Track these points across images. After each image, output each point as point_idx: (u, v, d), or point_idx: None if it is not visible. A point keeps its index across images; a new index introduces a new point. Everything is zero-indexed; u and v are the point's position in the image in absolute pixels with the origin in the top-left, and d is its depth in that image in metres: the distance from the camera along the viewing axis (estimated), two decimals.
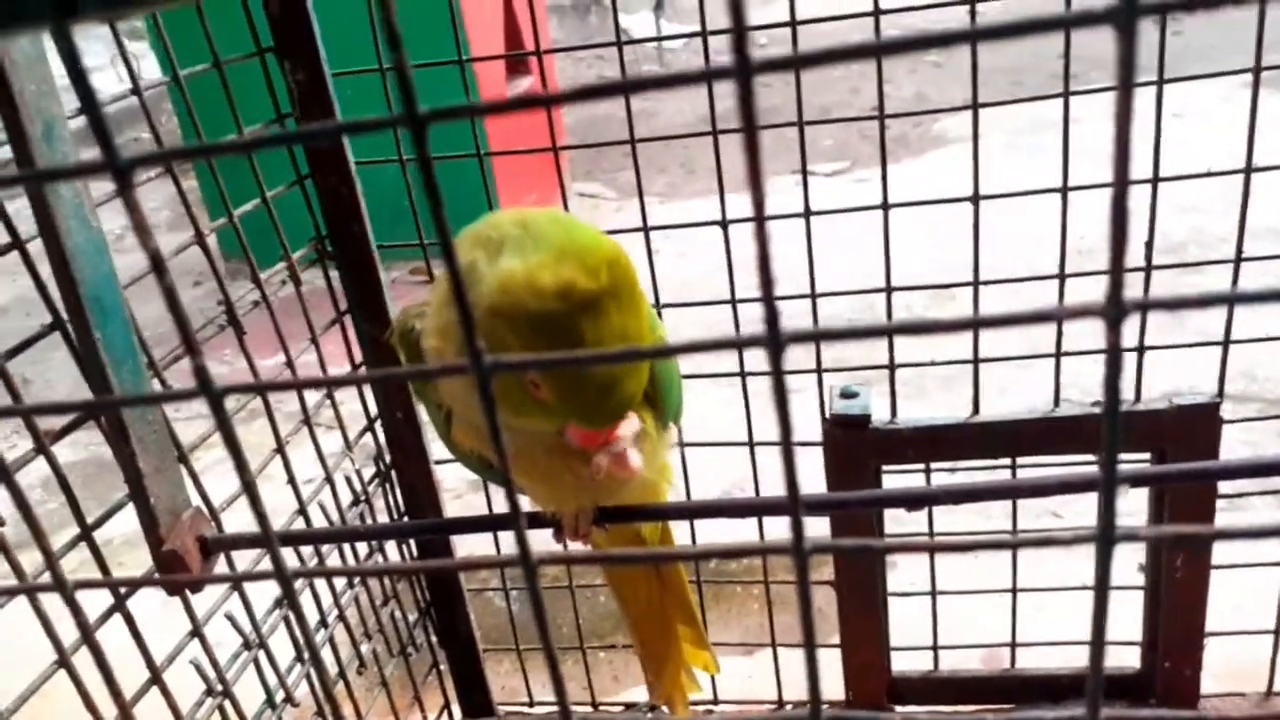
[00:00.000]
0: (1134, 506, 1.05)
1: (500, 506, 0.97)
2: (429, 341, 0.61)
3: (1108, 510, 0.30)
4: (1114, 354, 0.28)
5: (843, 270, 0.95)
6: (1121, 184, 0.25)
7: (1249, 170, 0.87)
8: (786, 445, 0.30)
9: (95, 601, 0.69)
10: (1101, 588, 0.32)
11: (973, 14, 0.88)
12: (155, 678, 0.71)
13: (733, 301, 0.99)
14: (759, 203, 0.25)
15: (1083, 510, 1.79)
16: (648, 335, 0.58)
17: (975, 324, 0.30)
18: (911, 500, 0.65)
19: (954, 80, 5.02)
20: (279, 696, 0.86)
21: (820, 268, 0.98)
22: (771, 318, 0.29)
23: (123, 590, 0.70)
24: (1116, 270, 0.27)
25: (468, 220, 0.97)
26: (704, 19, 0.95)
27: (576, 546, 0.72)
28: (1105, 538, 0.30)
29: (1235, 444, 2.18)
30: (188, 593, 0.74)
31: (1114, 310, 0.27)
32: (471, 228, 0.61)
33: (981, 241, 0.94)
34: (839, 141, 4.47)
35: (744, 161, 0.24)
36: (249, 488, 0.35)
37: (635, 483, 0.67)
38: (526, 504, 0.79)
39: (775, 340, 0.29)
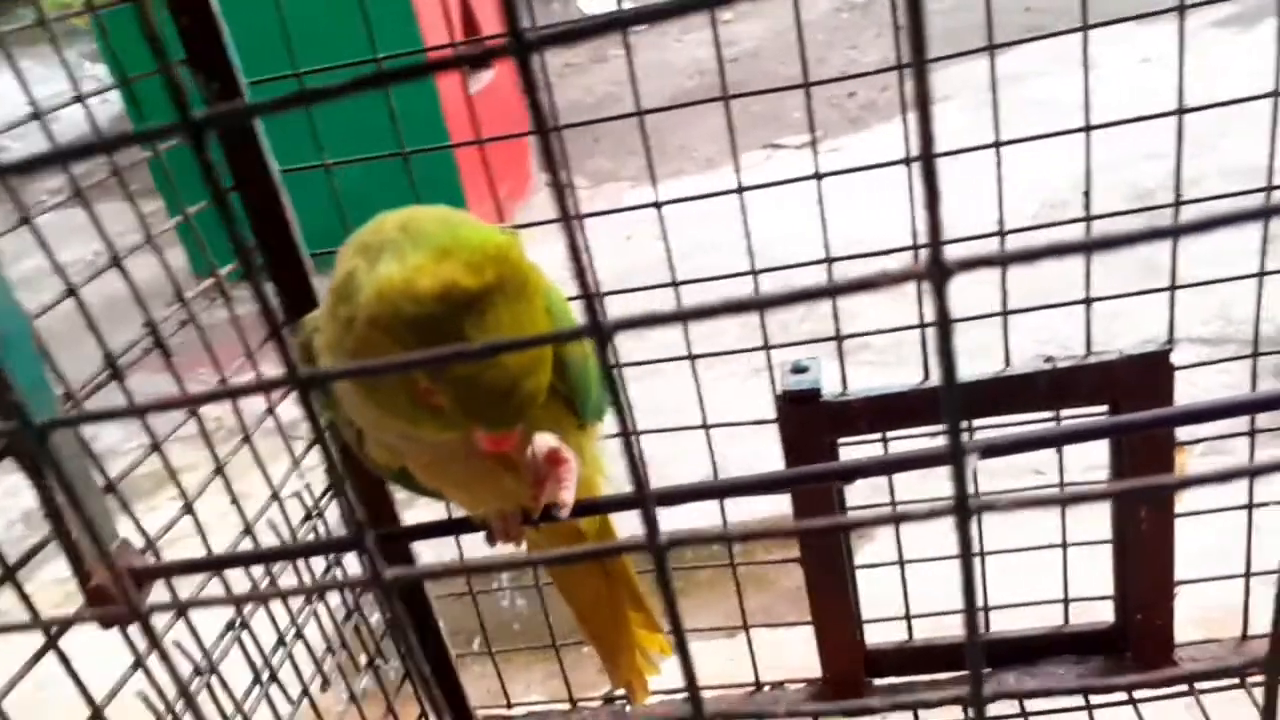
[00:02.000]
0: (1097, 459, 1.04)
1: (457, 511, 0.96)
2: (323, 359, 0.59)
3: (959, 482, 0.28)
4: (943, 319, 0.27)
5: (816, 240, 0.94)
6: (928, 155, 0.24)
7: (1181, 111, 0.86)
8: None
9: (31, 641, 0.68)
10: (965, 557, 0.31)
11: None
12: (96, 713, 0.70)
13: (674, 285, 0.98)
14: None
15: (1068, 465, 1.79)
16: (545, 328, 0.56)
17: (804, 296, 0.28)
18: (837, 475, 0.63)
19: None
20: None
21: (794, 239, 0.96)
22: (592, 311, 0.28)
23: (54, 630, 0.68)
24: (934, 233, 0.25)
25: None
26: None
27: (509, 548, 0.70)
28: (962, 508, 0.29)
29: (1216, 386, 2.18)
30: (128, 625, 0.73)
31: (938, 273, 0.26)
32: (356, 233, 0.59)
33: (955, 198, 0.92)
34: (807, 113, 4.45)
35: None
36: (190, 509, 0.33)
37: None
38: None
39: (599, 330, 0.28)
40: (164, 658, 0.35)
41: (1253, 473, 0.31)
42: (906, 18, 0.21)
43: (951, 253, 0.25)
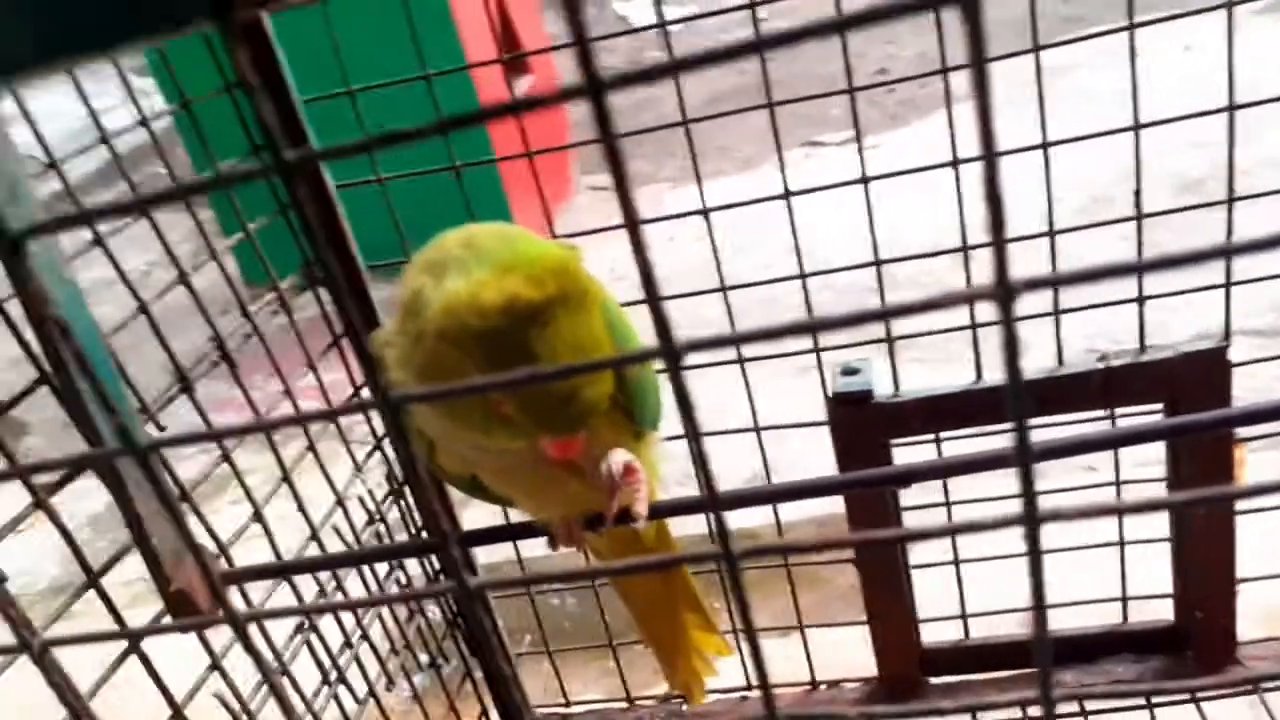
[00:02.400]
0: (1153, 455, 1.03)
1: (515, 515, 0.98)
2: (394, 373, 0.62)
3: (1027, 490, 0.29)
4: (1010, 333, 0.27)
5: (865, 238, 0.94)
6: (991, 169, 0.25)
7: (1232, 108, 0.85)
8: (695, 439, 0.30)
9: (113, 644, 0.71)
10: (1035, 568, 0.31)
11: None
12: (177, 713, 0.73)
13: (723, 289, 0.99)
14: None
15: (1122, 460, 1.77)
16: (604, 340, 0.57)
17: (883, 314, 0.29)
18: (894, 479, 0.64)
19: (960, 38, 4.92)
20: None
21: (841, 239, 0.97)
22: (665, 333, 0.29)
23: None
24: (999, 253, 0.26)
25: (483, 220, 0.98)
26: None
27: (571, 552, 0.72)
28: (1031, 519, 0.30)
29: (1271, 380, 2.13)
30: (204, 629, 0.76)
31: (1003, 293, 0.27)
32: (420, 252, 0.62)
33: (1000, 195, 0.92)
34: (847, 110, 4.43)
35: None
36: (261, 518, 0.35)
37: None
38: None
39: (672, 351, 0.29)
40: (257, 659, 0.37)
41: None
42: (969, 56, 0.22)
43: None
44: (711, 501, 0.32)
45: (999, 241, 0.26)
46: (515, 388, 0.54)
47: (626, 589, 0.89)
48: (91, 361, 0.68)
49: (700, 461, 0.32)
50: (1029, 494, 0.29)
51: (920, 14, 0.25)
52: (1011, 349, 0.27)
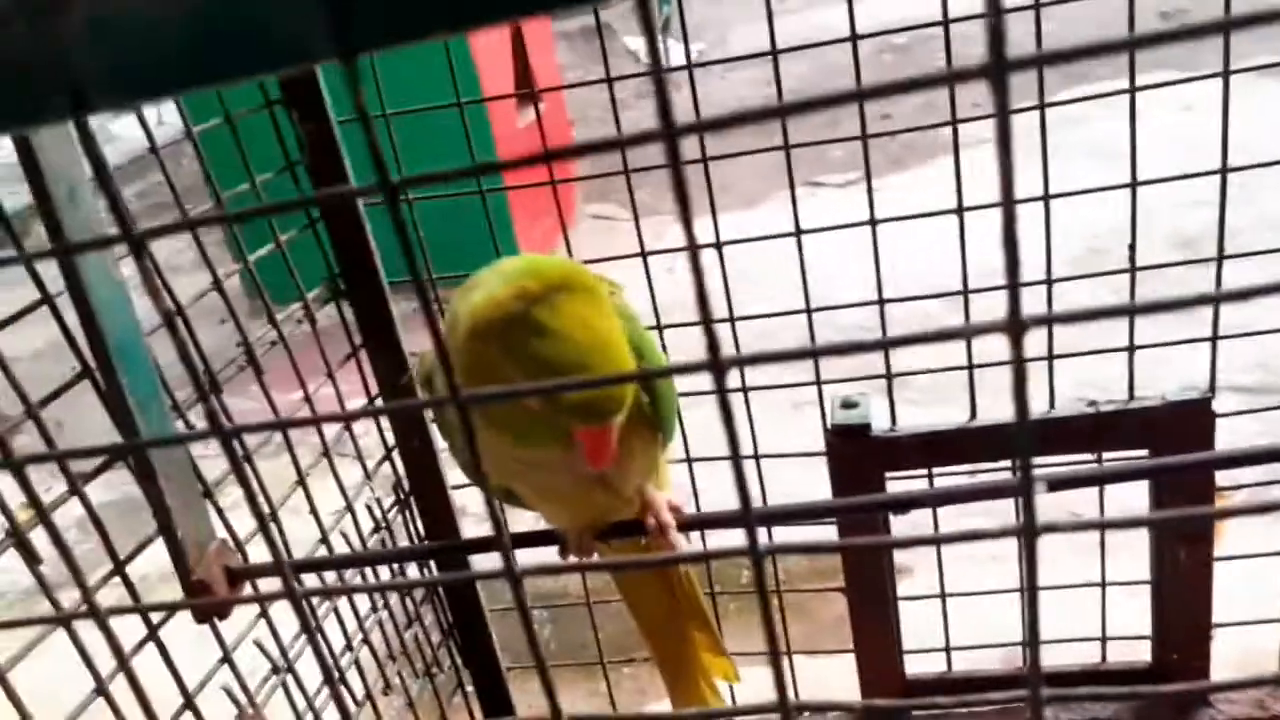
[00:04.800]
0: (1136, 504, 1.07)
1: (515, 528, 1.01)
2: (442, 390, 0.67)
3: (1028, 510, 0.33)
4: (1019, 368, 0.31)
5: (863, 279, 0.98)
6: (1009, 216, 0.28)
7: (1224, 170, 0.90)
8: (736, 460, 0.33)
9: (130, 634, 0.73)
10: (1031, 582, 0.35)
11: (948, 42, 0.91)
12: (189, 703, 0.75)
13: (731, 320, 1.03)
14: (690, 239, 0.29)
15: (1106, 509, 1.81)
16: (614, 324, 0.63)
17: (900, 342, 0.33)
18: (893, 505, 0.68)
19: (963, 87, 5.02)
20: (308, 718, 0.90)
21: (840, 277, 1.01)
22: (713, 347, 0.32)
23: (155, 619, 0.74)
24: (1014, 293, 0.30)
25: (482, 246, 1.02)
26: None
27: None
28: (1030, 529, 0.33)
29: (1255, 435, 2.18)
30: (217, 620, 0.78)
31: (1016, 326, 0.30)
32: (462, 285, 0.67)
33: (991, 242, 0.97)
34: (849, 151, 4.50)
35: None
36: (262, 520, 0.38)
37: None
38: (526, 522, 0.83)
39: (718, 363, 0.33)
40: (311, 639, 0.40)
41: None
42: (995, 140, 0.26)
43: (990, 302, 0.30)
44: (744, 512, 0.36)
45: (1013, 285, 0.29)
46: (552, 392, 0.58)
47: (637, 604, 0.92)
48: (133, 359, 0.71)
49: (738, 477, 0.35)
50: (1029, 510, 0.32)
51: (942, 86, 0.29)
52: (1020, 378, 0.30)
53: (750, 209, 3.97)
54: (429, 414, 1.01)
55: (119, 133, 5.36)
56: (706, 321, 0.32)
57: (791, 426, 1.05)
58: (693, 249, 0.31)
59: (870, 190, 0.99)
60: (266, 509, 0.89)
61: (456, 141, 1.01)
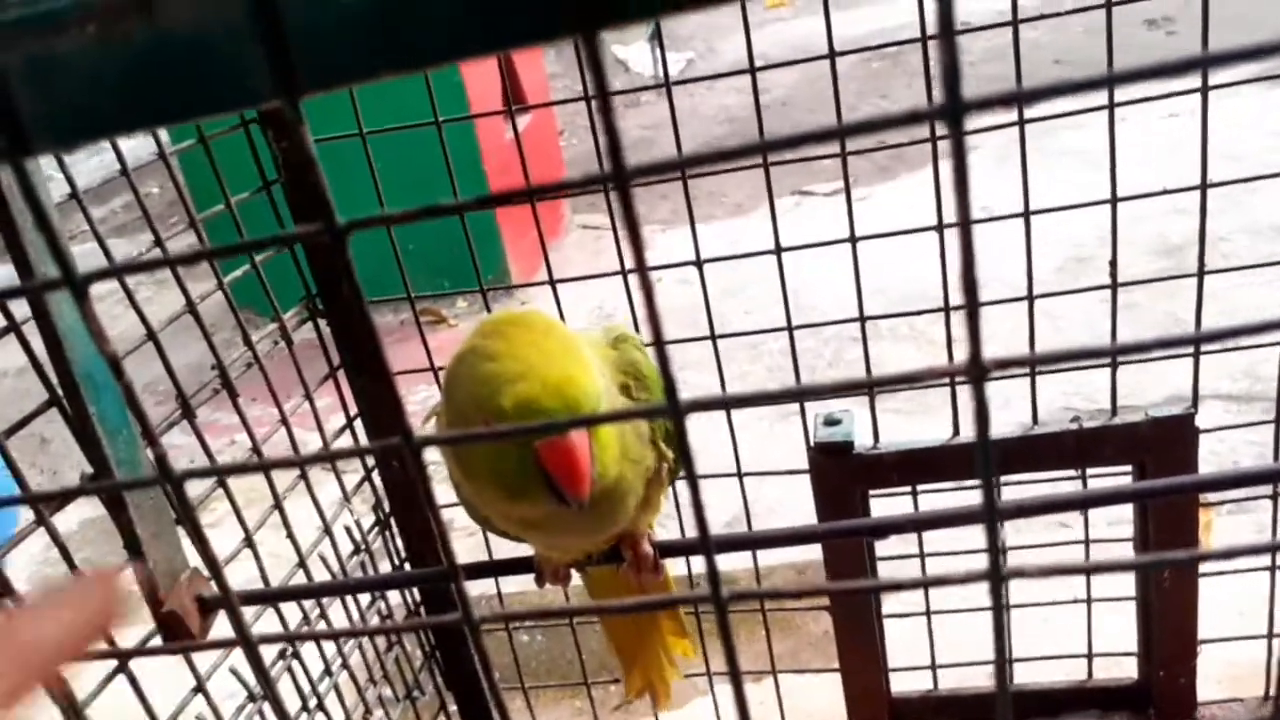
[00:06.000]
0: (1123, 514, 1.07)
1: (499, 553, 1.00)
2: (445, 451, 0.69)
3: (993, 549, 0.32)
4: (981, 410, 0.30)
5: (849, 284, 0.97)
6: (968, 263, 0.28)
7: (1204, 186, 0.89)
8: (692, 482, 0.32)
9: (100, 662, 0.72)
10: (998, 626, 0.34)
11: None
12: None
13: (712, 338, 1.02)
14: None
15: (1092, 519, 1.81)
16: (568, 349, 0.63)
17: (863, 385, 0.32)
18: (872, 530, 0.67)
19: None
20: None
21: (824, 284, 1.00)
22: (671, 392, 0.32)
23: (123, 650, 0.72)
24: (974, 338, 0.29)
25: (467, 260, 1.00)
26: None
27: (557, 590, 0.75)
28: (995, 575, 0.32)
29: (1241, 444, 2.18)
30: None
31: (976, 370, 0.30)
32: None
33: (981, 252, 0.96)
34: (838, 160, 4.51)
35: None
36: (214, 566, 0.37)
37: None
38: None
39: (676, 408, 0.32)
40: (266, 685, 0.39)
41: (1274, 548, 0.34)
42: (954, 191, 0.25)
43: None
44: (703, 541, 0.35)
45: (974, 332, 0.29)
46: (521, 436, 0.58)
47: (603, 590, 0.92)
48: (101, 388, 0.70)
49: (697, 509, 0.34)
50: (994, 551, 0.32)
51: (910, 126, 0.28)
52: (982, 423, 0.30)
53: (740, 217, 3.97)
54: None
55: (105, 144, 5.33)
56: (665, 369, 0.31)
57: (780, 436, 1.05)
58: (647, 290, 0.30)
59: (850, 206, 0.98)
60: (242, 533, 0.88)
61: (440, 153, 1.00)
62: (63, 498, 0.62)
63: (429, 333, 1.08)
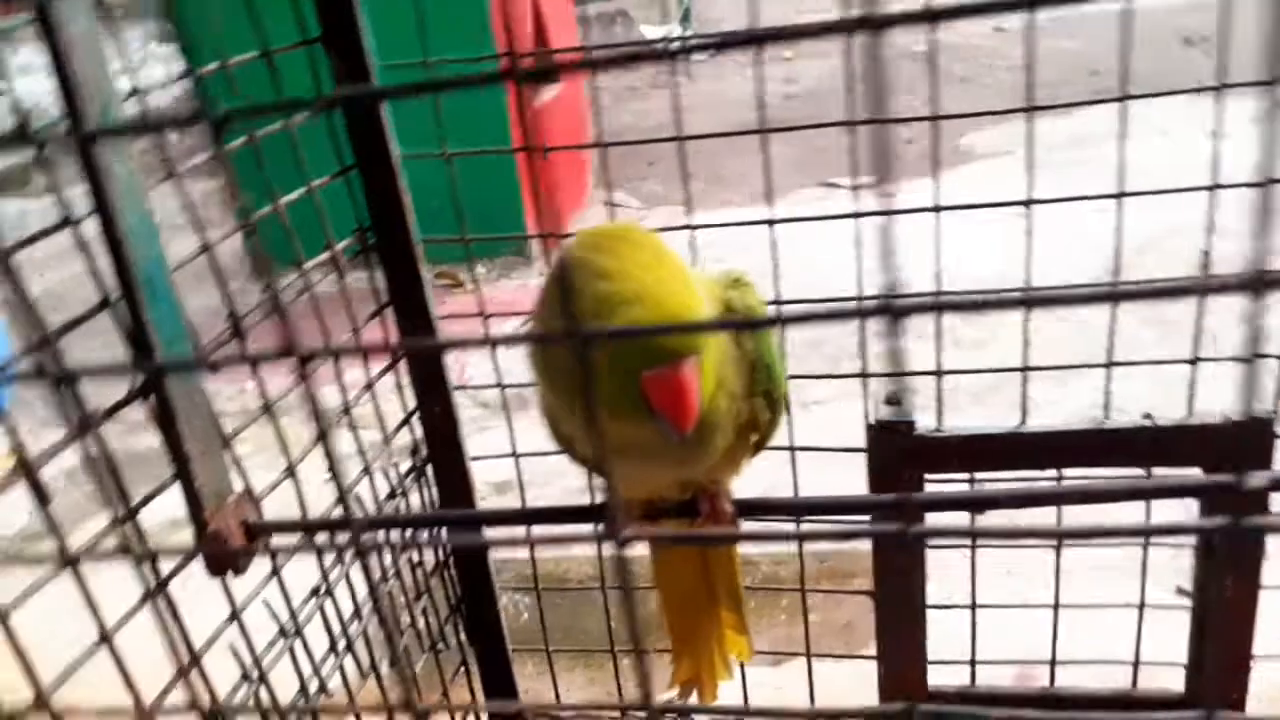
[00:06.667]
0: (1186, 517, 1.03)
1: (532, 504, 0.97)
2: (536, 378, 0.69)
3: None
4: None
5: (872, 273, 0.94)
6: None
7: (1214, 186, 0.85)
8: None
9: (134, 588, 0.68)
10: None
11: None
12: (195, 660, 0.71)
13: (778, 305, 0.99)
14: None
15: (1132, 515, 1.77)
16: (679, 268, 0.61)
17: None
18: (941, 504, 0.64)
19: (979, 96, 4.99)
20: (313, 685, 0.86)
21: (844, 270, 0.98)
22: (891, 288, 0.28)
23: (163, 571, 0.69)
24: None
25: (490, 224, 0.97)
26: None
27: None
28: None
29: None
30: (229, 577, 0.74)
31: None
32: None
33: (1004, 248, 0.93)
34: (863, 155, 4.47)
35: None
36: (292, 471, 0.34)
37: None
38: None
39: (891, 308, 0.28)
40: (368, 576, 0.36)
41: None
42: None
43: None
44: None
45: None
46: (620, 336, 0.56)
47: (669, 574, 0.89)
48: (160, 294, 0.67)
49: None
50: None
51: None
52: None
53: (758, 204, 3.93)
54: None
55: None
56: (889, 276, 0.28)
57: (798, 426, 1.00)
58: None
59: (857, 190, 0.94)
60: (285, 462, 0.85)
61: (472, 117, 0.97)
62: (120, 374, 0.59)
63: (447, 297, 1.05)
